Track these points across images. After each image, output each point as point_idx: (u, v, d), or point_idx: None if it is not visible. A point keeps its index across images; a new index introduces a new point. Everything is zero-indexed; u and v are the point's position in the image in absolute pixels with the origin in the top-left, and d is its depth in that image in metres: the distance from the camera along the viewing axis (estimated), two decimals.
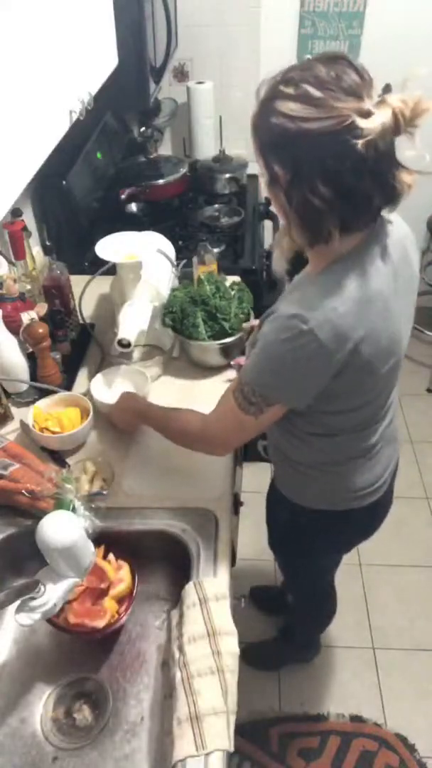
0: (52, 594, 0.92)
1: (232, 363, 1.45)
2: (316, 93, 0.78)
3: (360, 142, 0.76)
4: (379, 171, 0.81)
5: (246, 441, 1.10)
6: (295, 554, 1.41)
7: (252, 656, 1.86)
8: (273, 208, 0.99)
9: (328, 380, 0.93)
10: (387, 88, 0.80)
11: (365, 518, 1.25)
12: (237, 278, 1.66)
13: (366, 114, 0.77)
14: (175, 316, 1.44)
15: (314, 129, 0.78)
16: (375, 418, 1.08)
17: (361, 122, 0.76)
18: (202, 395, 1.42)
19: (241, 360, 1.39)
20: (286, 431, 1.12)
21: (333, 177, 0.80)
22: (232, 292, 1.49)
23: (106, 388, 1.39)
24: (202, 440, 1.13)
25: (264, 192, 1.00)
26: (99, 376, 1.39)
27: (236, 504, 1.46)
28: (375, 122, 0.76)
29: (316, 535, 1.27)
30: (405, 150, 0.82)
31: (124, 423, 1.31)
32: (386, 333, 0.93)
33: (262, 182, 0.92)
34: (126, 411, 1.29)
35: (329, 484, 1.16)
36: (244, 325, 1.45)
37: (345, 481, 1.15)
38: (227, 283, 1.51)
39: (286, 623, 1.90)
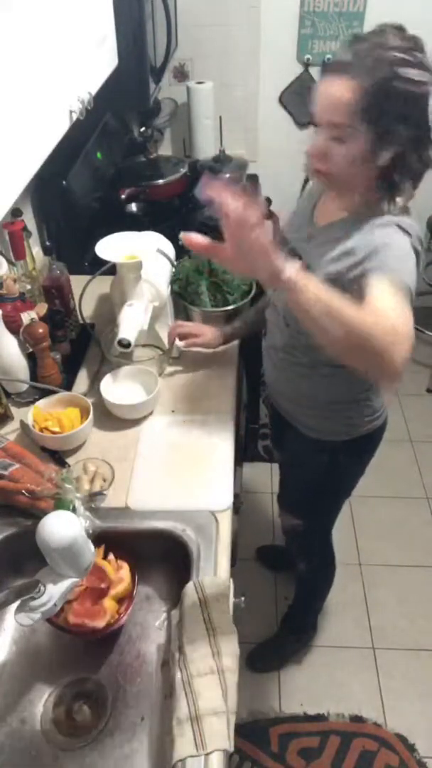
0: (52, 594, 0.91)
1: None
2: (427, 61, 0.94)
3: None
4: None
5: None
6: (329, 496, 1.50)
7: (255, 661, 1.87)
8: (343, 169, 1.02)
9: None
10: None
11: (379, 435, 1.39)
12: None
13: None
14: (181, 283, 1.54)
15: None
16: None
17: None
18: (203, 395, 1.43)
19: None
20: (321, 376, 1.22)
21: None
22: None
23: (115, 388, 1.39)
24: (403, 343, 0.85)
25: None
26: (108, 377, 1.40)
27: (236, 504, 1.46)
28: None
29: (351, 466, 1.42)
30: None
31: (250, 262, 0.83)
32: None
33: (355, 146, 0.98)
34: (270, 256, 0.83)
35: (359, 412, 1.29)
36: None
37: (370, 407, 1.29)
38: None
39: (288, 611, 1.92)
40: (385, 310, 0.87)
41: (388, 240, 1.01)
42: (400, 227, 1.02)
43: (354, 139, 0.97)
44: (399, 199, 1.04)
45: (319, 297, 0.84)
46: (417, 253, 1.03)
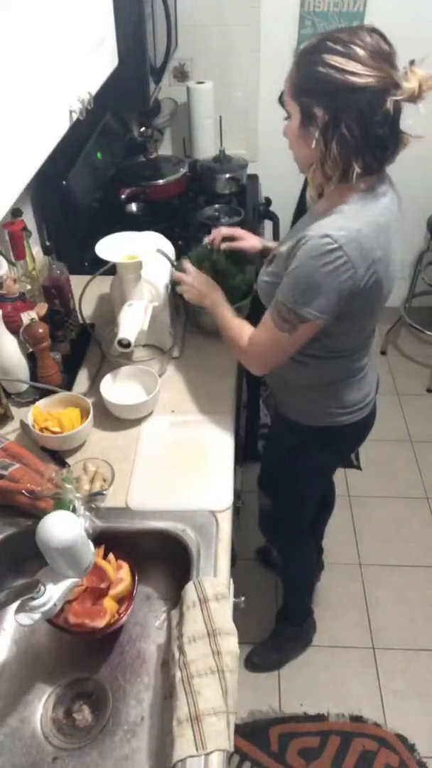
0: (52, 594, 0.91)
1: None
2: (362, 53, 0.96)
3: (391, 99, 0.96)
4: (393, 125, 1.01)
5: (281, 361, 1.22)
6: (295, 482, 1.52)
7: (255, 660, 1.87)
8: (294, 149, 1.13)
9: (349, 297, 1.06)
10: (412, 62, 0.99)
11: (353, 434, 1.42)
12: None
13: (399, 80, 0.97)
14: None
15: (359, 83, 0.96)
16: (367, 342, 1.28)
17: (404, 83, 0.96)
18: (203, 395, 1.43)
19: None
20: (293, 360, 1.25)
21: (364, 123, 0.99)
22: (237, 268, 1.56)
23: (116, 388, 1.39)
24: (244, 354, 1.26)
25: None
26: (108, 377, 1.40)
27: (236, 504, 1.46)
28: (411, 84, 0.96)
29: (315, 453, 1.43)
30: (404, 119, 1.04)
31: (196, 292, 1.38)
32: (391, 258, 1.11)
33: (293, 122, 1.08)
34: (209, 294, 1.36)
35: (326, 402, 1.32)
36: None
37: (339, 400, 1.31)
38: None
39: (282, 603, 1.93)
40: (255, 342, 1.21)
41: (299, 264, 1.05)
42: (329, 238, 1.01)
43: (293, 113, 1.07)
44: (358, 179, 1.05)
45: (216, 317, 1.33)
46: (346, 262, 1.02)
